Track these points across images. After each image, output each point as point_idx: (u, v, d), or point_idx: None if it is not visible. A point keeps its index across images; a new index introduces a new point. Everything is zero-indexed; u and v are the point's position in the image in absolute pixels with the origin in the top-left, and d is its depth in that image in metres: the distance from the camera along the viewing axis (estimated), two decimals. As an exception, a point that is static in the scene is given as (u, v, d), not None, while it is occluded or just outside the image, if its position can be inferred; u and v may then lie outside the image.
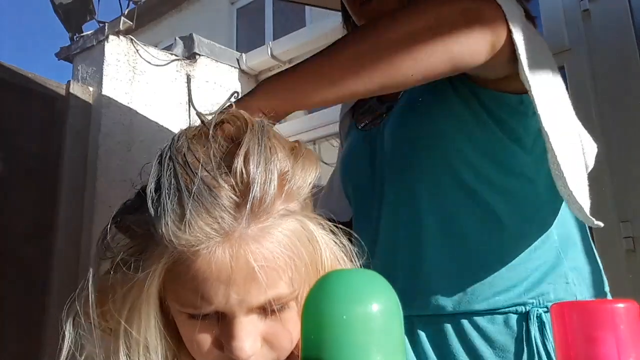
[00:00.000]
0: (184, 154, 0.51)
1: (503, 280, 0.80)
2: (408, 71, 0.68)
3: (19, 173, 2.37)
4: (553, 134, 0.70)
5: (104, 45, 2.66)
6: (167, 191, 0.49)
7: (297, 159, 0.54)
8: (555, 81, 0.75)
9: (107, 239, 0.54)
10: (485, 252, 0.82)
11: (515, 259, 0.81)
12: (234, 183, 0.50)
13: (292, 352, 0.55)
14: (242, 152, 0.50)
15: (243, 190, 0.49)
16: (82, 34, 2.80)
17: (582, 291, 0.82)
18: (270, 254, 0.49)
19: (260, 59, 3.10)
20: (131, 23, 2.71)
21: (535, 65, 0.71)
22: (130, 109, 2.67)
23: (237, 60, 3.16)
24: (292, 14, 3.64)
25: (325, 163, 2.75)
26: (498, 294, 0.80)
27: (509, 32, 0.69)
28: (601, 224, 0.74)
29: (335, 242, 0.57)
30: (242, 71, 3.17)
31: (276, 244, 0.50)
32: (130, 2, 2.86)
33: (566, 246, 0.84)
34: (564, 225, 0.84)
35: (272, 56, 3.02)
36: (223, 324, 0.51)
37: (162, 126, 2.74)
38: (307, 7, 3.40)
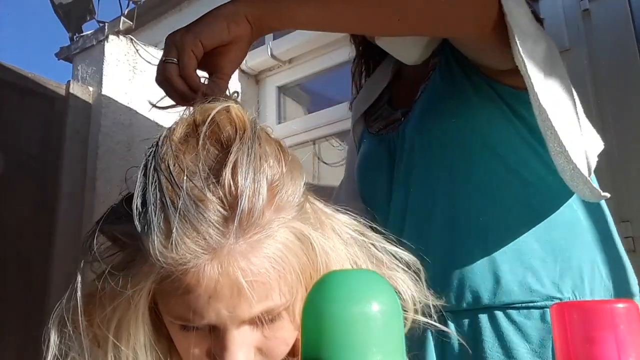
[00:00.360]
0: (168, 163, 0.50)
1: (537, 272, 0.80)
2: (396, 14, 0.68)
3: (19, 173, 2.37)
4: (550, 107, 0.70)
5: (103, 45, 2.66)
6: (153, 207, 0.48)
7: (286, 166, 0.53)
8: (555, 75, 0.76)
9: (94, 246, 0.53)
10: (518, 245, 0.81)
11: (548, 251, 0.81)
12: (221, 195, 0.48)
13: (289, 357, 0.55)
14: (230, 162, 0.49)
15: (231, 202, 0.48)
16: (82, 34, 2.80)
17: (617, 287, 0.82)
18: (260, 268, 0.48)
19: (260, 59, 3.10)
20: (131, 23, 2.71)
21: (531, 53, 0.71)
22: (130, 109, 2.67)
23: (237, 60, 3.15)
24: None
25: (325, 163, 2.75)
26: (533, 286, 0.79)
27: (503, 15, 0.70)
28: (607, 195, 0.74)
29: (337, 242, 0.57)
30: (242, 71, 3.16)
31: (266, 259, 0.49)
32: (130, 2, 2.85)
33: (598, 241, 0.83)
34: (596, 220, 0.84)
35: (272, 56, 3.02)
36: (215, 336, 0.51)
37: (162, 126, 2.73)
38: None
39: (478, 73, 0.85)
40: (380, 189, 0.97)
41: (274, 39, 3.06)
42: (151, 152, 0.53)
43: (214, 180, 0.49)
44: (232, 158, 0.49)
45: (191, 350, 0.52)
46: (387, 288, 0.36)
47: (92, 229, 0.55)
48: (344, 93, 2.99)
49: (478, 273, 0.82)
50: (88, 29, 2.81)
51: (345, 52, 3.00)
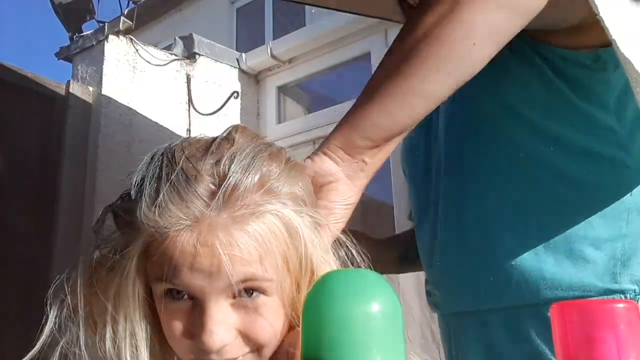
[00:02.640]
0: (175, 150, 0.53)
1: (590, 263, 0.70)
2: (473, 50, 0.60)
3: (19, 173, 2.37)
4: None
5: (103, 45, 2.66)
6: (149, 179, 0.52)
7: (285, 166, 0.55)
8: None
9: (100, 227, 0.56)
10: (566, 232, 0.71)
11: (605, 236, 0.71)
12: (213, 173, 0.51)
13: (283, 348, 0.55)
14: (231, 152, 0.52)
15: (220, 180, 0.51)
16: (81, 34, 2.79)
17: None
18: (240, 243, 0.50)
19: (260, 59, 3.09)
20: (131, 23, 2.71)
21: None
22: (130, 108, 2.67)
23: (237, 60, 3.17)
24: (291, 13, 3.64)
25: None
26: (585, 280, 0.70)
27: None
28: None
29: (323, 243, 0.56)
30: (242, 71, 3.16)
31: (247, 235, 0.50)
32: (130, 2, 2.85)
33: None
34: None
35: (272, 56, 3.02)
36: (196, 312, 0.52)
37: (162, 126, 2.74)
38: (307, 7, 3.40)
39: (521, 36, 0.72)
40: (419, 174, 0.88)
41: (274, 38, 3.07)
42: (165, 145, 0.56)
43: (211, 162, 0.52)
44: (233, 149, 0.52)
45: (173, 327, 0.53)
46: (387, 288, 0.36)
47: (101, 212, 0.57)
48: (344, 93, 2.98)
49: (518, 268, 0.72)
50: (88, 29, 2.82)
51: (345, 52, 3.01)
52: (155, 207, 0.49)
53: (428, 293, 0.90)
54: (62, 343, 0.55)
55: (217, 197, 0.49)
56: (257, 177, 0.51)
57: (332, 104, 2.90)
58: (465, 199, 0.79)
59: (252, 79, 3.22)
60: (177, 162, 0.51)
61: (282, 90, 3.19)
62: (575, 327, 0.35)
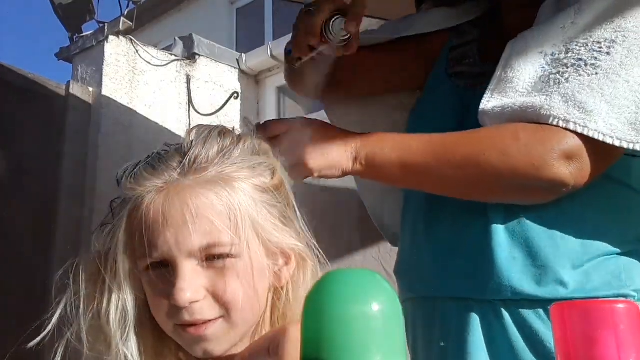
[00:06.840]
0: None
1: (596, 265, 0.70)
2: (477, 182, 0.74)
3: (19, 173, 2.37)
4: None
5: (103, 46, 2.66)
6: (130, 166, 0.60)
7: (238, 142, 0.61)
8: None
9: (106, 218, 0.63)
10: (603, 235, 0.72)
11: (614, 237, 0.71)
12: (180, 150, 0.59)
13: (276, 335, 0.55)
14: (191, 132, 0.61)
15: (185, 153, 0.58)
16: (82, 34, 2.80)
17: None
18: (205, 202, 0.55)
19: (260, 59, 3.09)
20: (131, 23, 2.71)
21: None
22: (130, 109, 2.67)
23: (237, 60, 3.17)
24: (291, 14, 3.65)
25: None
26: (612, 282, 0.70)
27: None
28: None
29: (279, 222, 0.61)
30: (241, 71, 3.16)
31: (212, 195, 0.56)
32: (130, 2, 2.86)
33: None
34: None
35: (272, 56, 3.02)
36: (170, 275, 0.56)
37: (162, 126, 2.74)
38: (307, 7, 3.40)
39: None
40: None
41: (274, 39, 3.06)
42: None
43: (178, 145, 0.60)
44: (193, 131, 0.61)
45: (153, 295, 0.57)
46: (387, 288, 0.36)
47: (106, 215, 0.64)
48: (344, 93, 2.98)
49: (512, 263, 0.73)
50: (88, 30, 2.82)
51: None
52: (132, 177, 0.59)
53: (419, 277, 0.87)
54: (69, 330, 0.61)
55: (182, 164, 0.57)
56: (215, 148, 0.58)
57: (332, 104, 2.89)
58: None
59: (252, 79, 3.22)
60: (153, 151, 0.61)
61: (282, 90, 3.19)
62: (575, 327, 0.35)
